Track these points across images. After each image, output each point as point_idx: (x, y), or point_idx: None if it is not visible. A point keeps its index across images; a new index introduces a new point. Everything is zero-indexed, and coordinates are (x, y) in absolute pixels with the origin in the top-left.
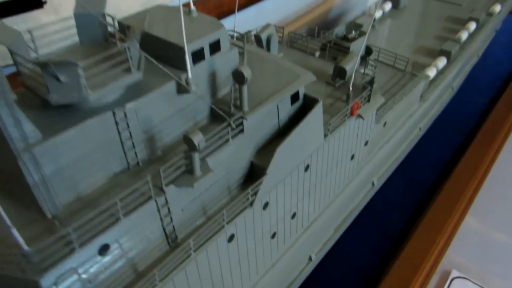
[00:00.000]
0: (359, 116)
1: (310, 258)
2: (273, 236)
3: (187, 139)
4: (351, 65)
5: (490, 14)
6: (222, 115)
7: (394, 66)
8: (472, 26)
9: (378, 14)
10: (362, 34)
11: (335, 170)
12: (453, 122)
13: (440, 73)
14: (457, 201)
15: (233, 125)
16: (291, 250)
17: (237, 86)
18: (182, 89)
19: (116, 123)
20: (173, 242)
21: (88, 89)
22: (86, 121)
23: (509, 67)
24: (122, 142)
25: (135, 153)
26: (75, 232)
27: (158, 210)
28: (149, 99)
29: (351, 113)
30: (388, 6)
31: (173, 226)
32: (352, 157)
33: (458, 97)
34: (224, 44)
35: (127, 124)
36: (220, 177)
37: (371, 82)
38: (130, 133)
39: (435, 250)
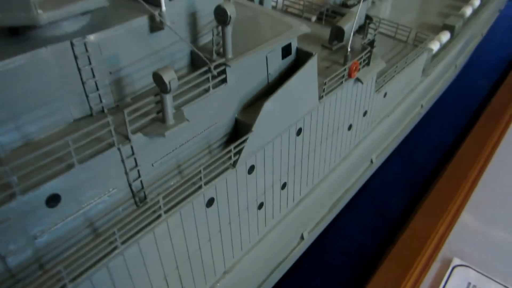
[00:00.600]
0: (358, 80)
1: (302, 237)
2: (260, 207)
3: (156, 77)
4: (350, 25)
5: None
6: (202, 57)
7: (395, 38)
8: (476, 1)
9: None
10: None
11: (330, 140)
12: (455, 104)
13: (443, 48)
14: (458, 186)
15: (214, 72)
16: (280, 225)
17: (219, 28)
18: (155, 27)
19: (75, 56)
20: (141, 202)
21: (39, 9)
22: (37, 49)
23: None
24: (83, 82)
25: (99, 96)
26: (15, 174)
27: (123, 161)
28: (115, 33)
29: (349, 75)
30: None
31: (141, 183)
32: (350, 128)
33: (460, 79)
34: None
35: (89, 59)
36: (198, 133)
37: (371, 44)
38: (92, 70)
39: (435, 236)
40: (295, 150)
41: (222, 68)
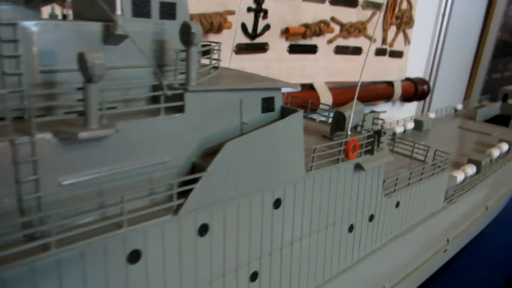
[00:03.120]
0: (359, 166)
1: None
2: None
3: (80, 59)
4: (351, 112)
5: None
6: (155, 67)
7: (412, 157)
8: (504, 146)
9: (399, 129)
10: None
11: (324, 235)
12: (490, 259)
13: (469, 179)
14: None
15: (167, 92)
16: None
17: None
18: (109, 36)
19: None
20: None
21: None
22: None
23: None
24: (2, 72)
25: (20, 94)
26: None
27: (15, 162)
28: (56, 27)
29: (346, 155)
30: (410, 125)
31: (39, 202)
32: (351, 229)
33: (495, 233)
34: (182, 12)
35: (15, 44)
36: (137, 165)
37: (378, 132)
38: (17, 60)
39: None
40: (271, 229)
41: (179, 91)
